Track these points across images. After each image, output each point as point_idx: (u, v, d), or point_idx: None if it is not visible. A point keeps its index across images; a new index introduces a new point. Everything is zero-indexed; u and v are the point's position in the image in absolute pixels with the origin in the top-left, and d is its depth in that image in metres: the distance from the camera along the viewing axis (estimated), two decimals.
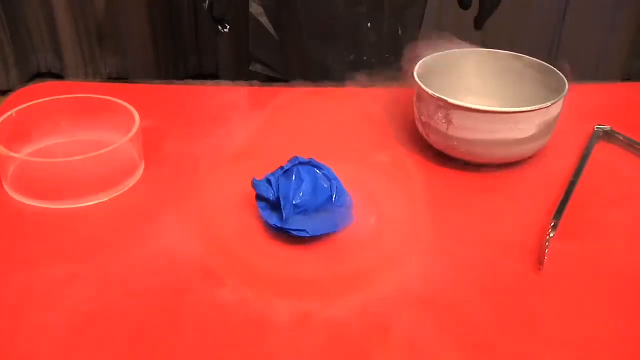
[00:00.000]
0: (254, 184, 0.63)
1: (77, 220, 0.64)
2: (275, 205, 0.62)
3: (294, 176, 0.62)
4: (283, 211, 0.60)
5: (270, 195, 0.62)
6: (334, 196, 0.62)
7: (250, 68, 1.05)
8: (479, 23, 1.01)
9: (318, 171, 0.63)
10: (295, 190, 0.62)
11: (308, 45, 0.99)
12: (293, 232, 0.60)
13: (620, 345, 0.51)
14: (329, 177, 0.63)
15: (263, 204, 0.62)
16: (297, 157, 0.64)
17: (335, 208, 0.62)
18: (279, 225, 0.60)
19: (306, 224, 0.60)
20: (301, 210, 0.61)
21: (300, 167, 0.63)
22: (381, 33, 0.99)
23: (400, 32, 1.01)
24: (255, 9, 0.99)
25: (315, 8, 0.96)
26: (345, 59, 1.00)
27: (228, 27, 0.96)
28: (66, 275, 0.57)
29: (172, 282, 0.56)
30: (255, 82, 1.00)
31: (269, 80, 1.05)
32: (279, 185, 0.62)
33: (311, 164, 0.64)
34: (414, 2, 1.02)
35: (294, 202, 0.61)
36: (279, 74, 1.04)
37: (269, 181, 0.63)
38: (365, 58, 1.00)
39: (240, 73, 1.07)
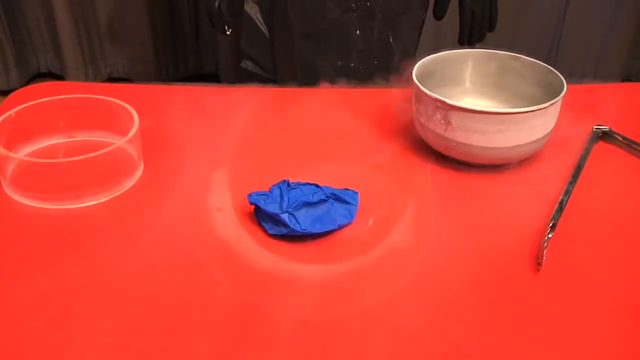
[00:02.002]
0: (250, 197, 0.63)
1: (76, 220, 0.64)
2: (272, 203, 0.62)
3: (288, 183, 0.63)
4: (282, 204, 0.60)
5: (267, 190, 0.62)
6: (331, 194, 0.63)
7: (241, 64, 1.05)
8: (461, 39, 1.01)
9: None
10: (294, 189, 0.62)
11: (298, 46, 0.98)
12: (286, 222, 0.59)
13: (618, 346, 0.52)
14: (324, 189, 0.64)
15: (259, 199, 0.62)
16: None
17: (335, 206, 0.62)
18: (277, 212, 0.60)
19: (303, 221, 0.60)
20: (299, 203, 0.61)
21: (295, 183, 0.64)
22: (370, 40, 0.98)
23: (391, 39, 1.00)
24: (250, 6, 0.99)
25: (307, 9, 0.96)
26: (333, 63, 0.99)
27: (229, 29, 0.96)
28: (66, 275, 0.57)
29: (171, 282, 0.56)
30: (254, 83, 1.00)
31: (267, 80, 1.06)
32: (279, 189, 0.62)
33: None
34: (408, 9, 1.01)
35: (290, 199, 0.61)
36: (268, 73, 1.04)
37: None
38: (352, 65, 1.00)
39: (240, 73, 1.07)
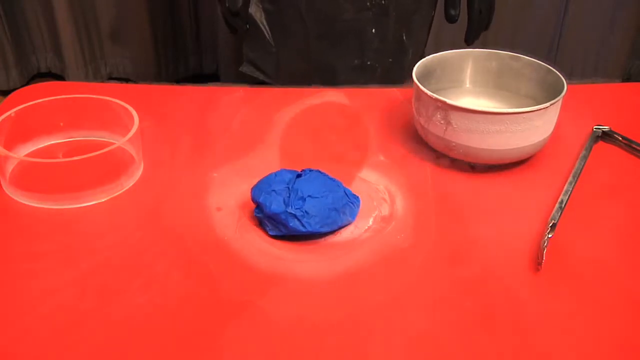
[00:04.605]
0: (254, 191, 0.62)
1: (76, 220, 0.64)
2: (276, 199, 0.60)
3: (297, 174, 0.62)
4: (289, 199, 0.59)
5: (273, 185, 0.61)
6: (345, 193, 0.62)
7: (240, 69, 1.05)
8: (468, 37, 1.01)
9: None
10: (303, 184, 0.61)
11: (313, 48, 0.99)
12: (286, 223, 0.59)
13: (618, 345, 0.52)
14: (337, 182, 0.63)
15: (262, 195, 0.61)
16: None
17: (342, 207, 0.62)
18: (277, 212, 0.59)
19: (305, 221, 0.59)
20: (304, 198, 0.60)
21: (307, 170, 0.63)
22: (385, 38, 0.99)
23: (404, 37, 1.01)
24: (254, 10, 0.99)
25: (321, 11, 0.96)
26: (349, 63, 1.00)
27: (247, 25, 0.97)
28: (65, 275, 0.57)
29: (171, 281, 0.56)
30: (254, 83, 1.00)
31: (268, 83, 1.06)
32: (288, 185, 0.61)
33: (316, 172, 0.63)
34: (420, 8, 1.02)
35: (300, 194, 0.60)
36: (269, 77, 1.04)
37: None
38: (369, 63, 1.00)
39: (241, 73, 1.07)
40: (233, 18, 0.95)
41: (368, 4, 0.95)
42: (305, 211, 0.59)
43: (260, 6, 0.99)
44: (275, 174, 0.62)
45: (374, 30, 0.98)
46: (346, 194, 0.63)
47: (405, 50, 1.03)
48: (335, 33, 0.98)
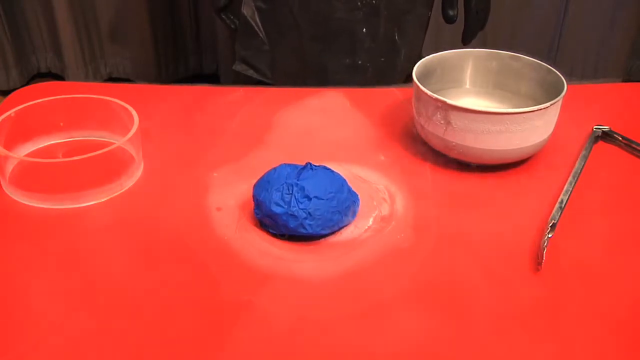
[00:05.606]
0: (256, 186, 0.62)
1: (75, 220, 0.64)
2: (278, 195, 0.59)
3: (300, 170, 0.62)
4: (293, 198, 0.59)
5: (272, 183, 0.60)
6: (348, 191, 0.62)
7: (233, 67, 1.05)
8: (465, 37, 1.02)
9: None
10: (309, 180, 0.60)
11: (306, 48, 0.99)
12: (286, 224, 0.58)
13: (619, 345, 0.52)
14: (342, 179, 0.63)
15: (264, 193, 0.61)
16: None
17: (344, 209, 0.61)
18: (278, 212, 0.58)
19: (305, 222, 0.59)
20: (307, 197, 0.59)
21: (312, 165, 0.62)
22: (376, 38, 0.99)
23: (397, 37, 1.01)
24: (247, 9, 0.99)
25: (314, 11, 0.96)
26: (341, 62, 1.00)
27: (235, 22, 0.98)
28: (65, 275, 0.57)
29: (171, 281, 0.56)
30: (254, 83, 1.00)
31: (264, 82, 1.06)
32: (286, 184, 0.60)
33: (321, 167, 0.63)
34: (413, 8, 1.01)
35: (306, 192, 0.59)
36: (263, 75, 1.04)
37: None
38: (360, 62, 1.00)
39: (240, 74, 1.07)
40: (220, 14, 0.96)
41: (359, 3, 0.95)
42: (309, 213, 0.59)
43: (253, 4, 0.99)
44: (275, 170, 0.62)
45: (365, 30, 0.98)
46: (350, 192, 0.63)
47: (398, 50, 1.03)
48: (328, 32, 0.98)
